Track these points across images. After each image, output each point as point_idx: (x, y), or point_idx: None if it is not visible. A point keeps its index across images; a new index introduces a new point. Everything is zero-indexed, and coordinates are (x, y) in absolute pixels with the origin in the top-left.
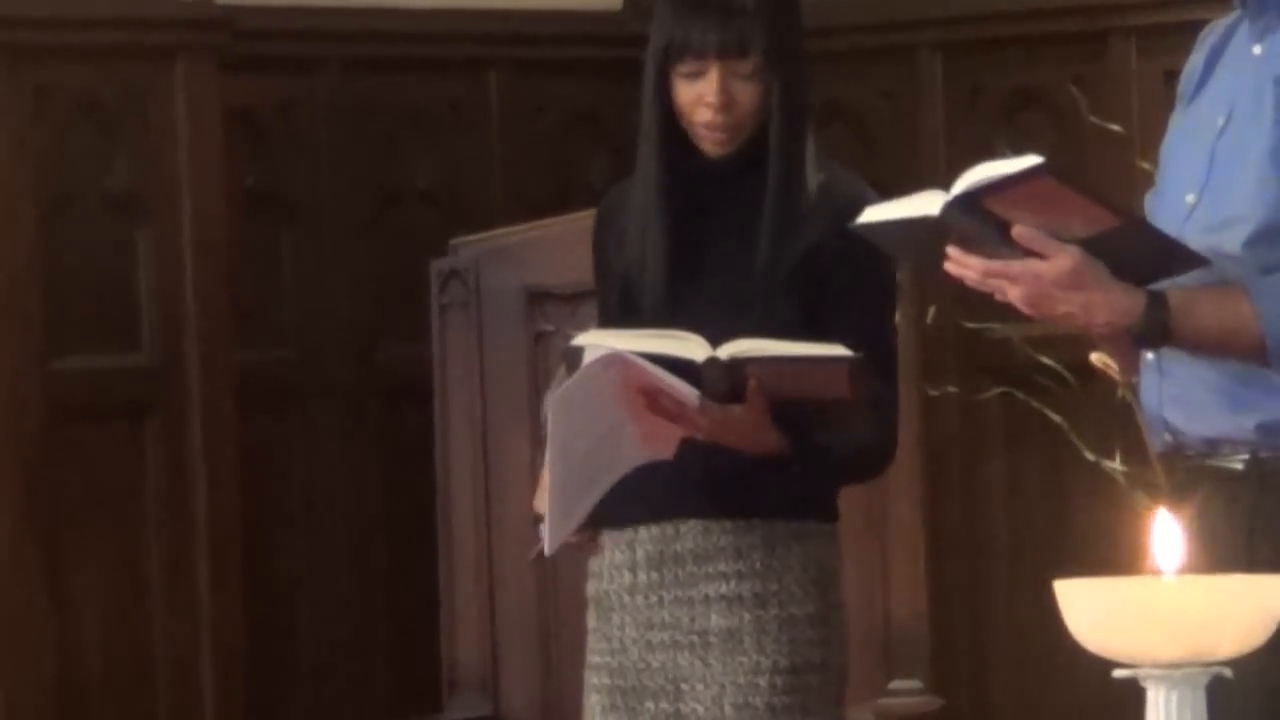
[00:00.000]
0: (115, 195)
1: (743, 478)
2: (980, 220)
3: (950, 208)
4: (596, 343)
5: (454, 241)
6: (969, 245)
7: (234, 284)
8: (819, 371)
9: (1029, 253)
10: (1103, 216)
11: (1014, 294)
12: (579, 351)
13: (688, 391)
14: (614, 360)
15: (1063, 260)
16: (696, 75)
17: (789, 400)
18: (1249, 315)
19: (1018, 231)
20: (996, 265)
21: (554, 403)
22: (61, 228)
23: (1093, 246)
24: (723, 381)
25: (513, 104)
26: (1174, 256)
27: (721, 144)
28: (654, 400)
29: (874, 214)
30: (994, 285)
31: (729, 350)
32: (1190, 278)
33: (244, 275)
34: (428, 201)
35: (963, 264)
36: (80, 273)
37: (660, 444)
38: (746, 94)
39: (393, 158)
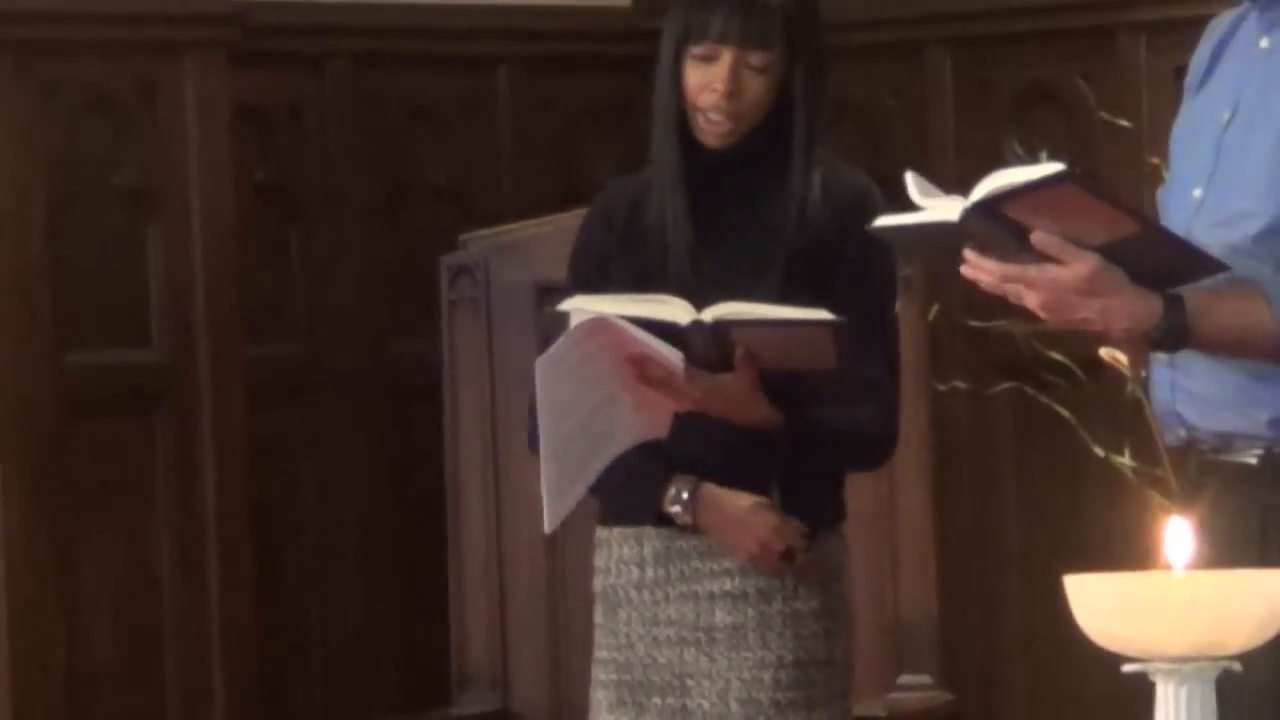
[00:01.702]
0: (125, 190)
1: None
2: (999, 226)
3: (969, 214)
4: (582, 308)
5: (463, 237)
6: (987, 250)
7: (244, 279)
8: (803, 337)
9: (1047, 258)
10: (1123, 223)
11: (1032, 299)
12: (564, 317)
13: (672, 356)
14: (600, 325)
15: (1080, 266)
16: (709, 59)
17: (777, 371)
18: (1266, 316)
19: (1037, 238)
20: (1014, 270)
21: (540, 365)
22: (71, 223)
23: (1110, 252)
24: (708, 345)
25: (522, 100)
26: (1193, 262)
27: (721, 135)
28: (643, 369)
29: (892, 218)
30: (1011, 290)
31: (713, 313)
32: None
33: (254, 270)
34: (437, 197)
35: (980, 268)
36: (90, 268)
37: (653, 419)
38: (755, 86)
39: (402, 153)
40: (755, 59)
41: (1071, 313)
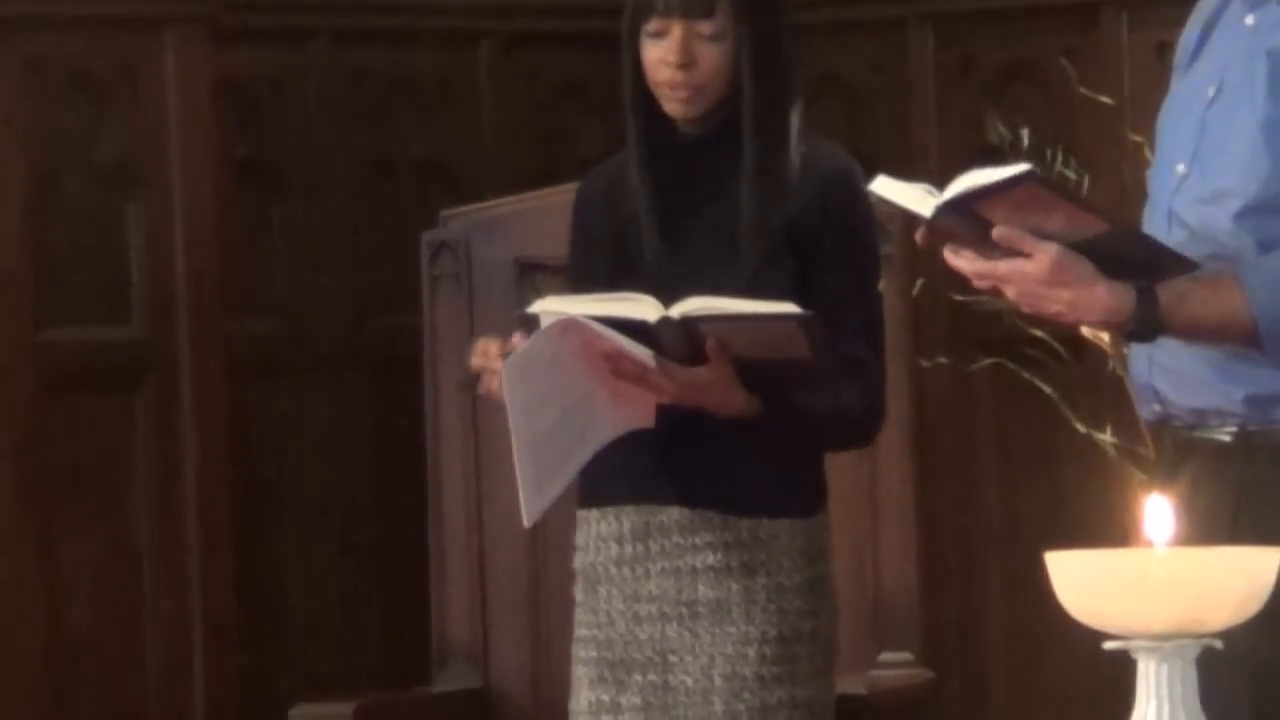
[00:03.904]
0: (105, 167)
1: (726, 479)
2: (970, 223)
3: (941, 211)
4: (551, 309)
5: (444, 213)
6: (961, 244)
7: (224, 256)
8: (773, 329)
9: (1016, 252)
10: (1091, 222)
11: (1009, 292)
12: (534, 318)
13: (643, 353)
14: (569, 325)
15: (1042, 257)
16: (661, 34)
17: (751, 362)
18: (1240, 305)
19: (997, 233)
20: (985, 266)
21: (507, 367)
22: (52, 200)
23: (1082, 248)
24: (679, 341)
25: (503, 75)
26: (1165, 260)
27: (683, 103)
28: (617, 365)
29: (877, 188)
30: (988, 285)
31: (680, 309)
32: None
33: (234, 247)
34: (418, 173)
35: (955, 263)
36: (71, 245)
37: (635, 411)
38: (709, 55)
39: (383, 129)
40: (704, 28)
41: (1042, 305)
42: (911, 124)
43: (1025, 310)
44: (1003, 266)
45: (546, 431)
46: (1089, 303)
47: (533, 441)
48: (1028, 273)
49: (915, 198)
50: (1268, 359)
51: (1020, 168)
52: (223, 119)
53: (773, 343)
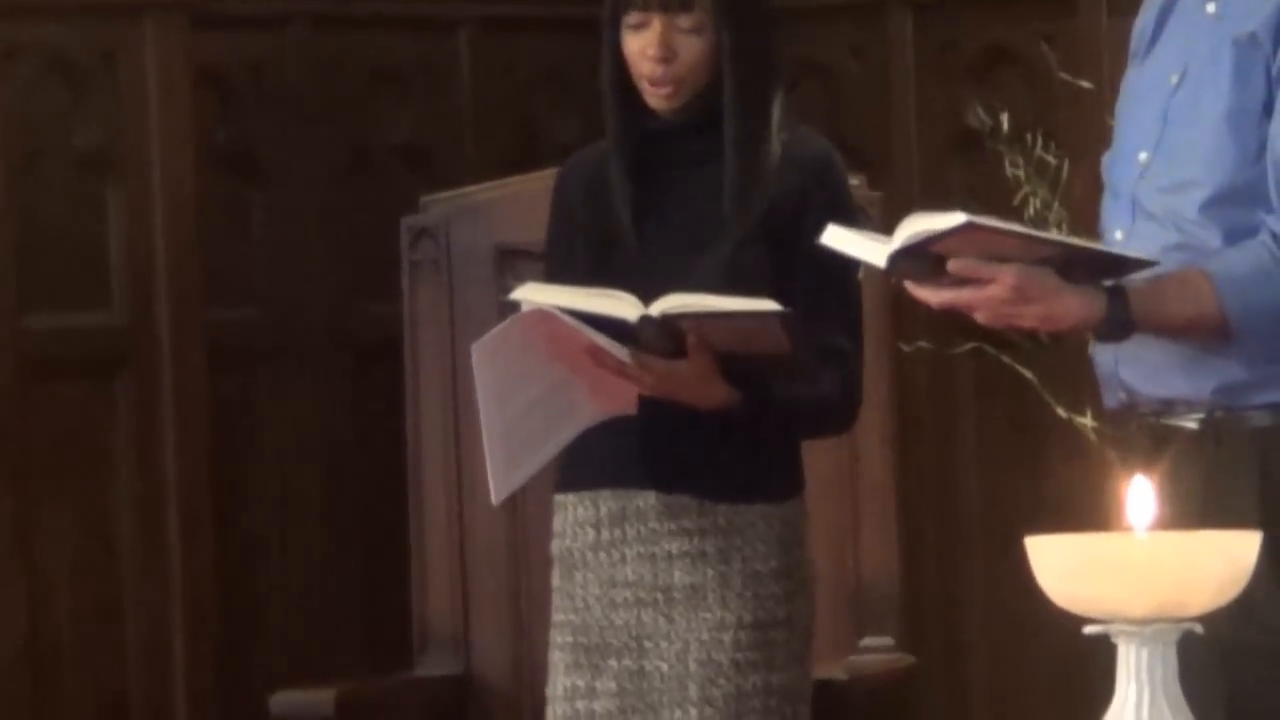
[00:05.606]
0: (85, 153)
1: (702, 465)
2: (926, 263)
3: (895, 259)
4: (534, 298)
5: (424, 199)
6: (922, 280)
7: (204, 242)
8: (753, 325)
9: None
10: (1039, 246)
11: (978, 317)
12: (517, 305)
13: (617, 349)
14: (543, 316)
15: (1005, 280)
16: (642, 27)
17: (732, 356)
18: (1211, 302)
19: (953, 266)
20: (948, 295)
21: (475, 349)
22: (31, 186)
23: (1041, 263)
24: (660, 338)
25: (483, 61)
26: (1119, 264)
27: (664, 98)
28: (598, 356)
29: (830, 239)
30: (954, 311)
31: (661, 307)
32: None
33: (214, 233)
34: (398, 159)
35: (919, 295)
36: (50, 231)
37: (615, 399)
38: (689, 48)
39: (363, 115)
40: (683, 20)
41: (1016, 321)
42: (891, 109)
43: (999, 327)
44: (966, 294)
45: (519, 413)
46: (1060, 313)
47: (504, 422)
48: (993, 297)
49: (868, 247)
50: (1239, 353)
51: (957, 219)
52: (202, 105)
53: (753, 338)
